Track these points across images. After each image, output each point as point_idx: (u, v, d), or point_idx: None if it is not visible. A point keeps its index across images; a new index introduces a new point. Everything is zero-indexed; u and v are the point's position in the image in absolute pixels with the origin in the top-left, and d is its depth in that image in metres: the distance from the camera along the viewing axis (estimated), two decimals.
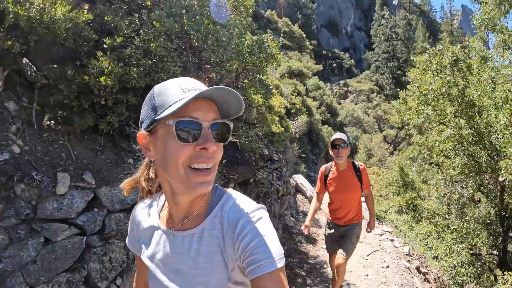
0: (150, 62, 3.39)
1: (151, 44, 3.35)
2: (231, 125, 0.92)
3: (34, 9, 2.86)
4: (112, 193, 3.11)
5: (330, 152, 3.72)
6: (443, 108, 5.69)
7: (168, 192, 0.97)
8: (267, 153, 7.54)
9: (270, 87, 5.43)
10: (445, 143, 5.45)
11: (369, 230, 3.96)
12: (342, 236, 3.88)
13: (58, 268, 2.65)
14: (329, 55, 60.10)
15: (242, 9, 4.62)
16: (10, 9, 2.73)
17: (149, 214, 1.09)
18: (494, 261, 6.78)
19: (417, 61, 6.78)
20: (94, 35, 3.36)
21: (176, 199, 0.95)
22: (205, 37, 3.55)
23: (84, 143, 3.32)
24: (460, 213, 7.93)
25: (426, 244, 7.21)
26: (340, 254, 3.69)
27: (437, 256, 6.71)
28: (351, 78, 55.21)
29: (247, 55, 4.15)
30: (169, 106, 0.85)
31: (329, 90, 40.15)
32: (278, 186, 6.97)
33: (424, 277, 5.76)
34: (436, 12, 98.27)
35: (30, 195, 2.60)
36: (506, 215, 6.36)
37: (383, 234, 7.08)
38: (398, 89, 12.74)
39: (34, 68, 3.17)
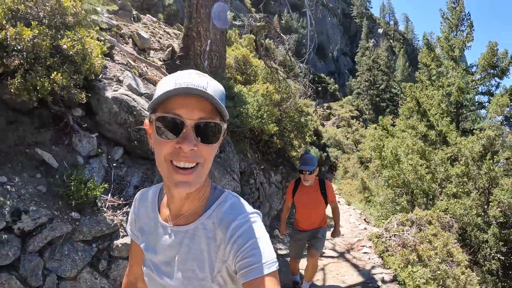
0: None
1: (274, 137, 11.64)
2: (223, 126, 0.89)
3: None
4: None
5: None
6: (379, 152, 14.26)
7: (165, 184, 1.00)
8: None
9: (307, 140, 13.74)
10: (372, 168, 14.10)
11: (335, 235, 4.38)
12: (310, 239, 4.35)
13: None
14: (316, 78, 65.75)
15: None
16: None
17: (149, 203, 1.11)
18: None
19: (371, 127, 15.38)
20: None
21: (171, 191, 0.97)
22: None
23: None
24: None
25: (370, 214, 15.70)
26: (314, 250, 4.25)
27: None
28: (334, 102, 60.00)
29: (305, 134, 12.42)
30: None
31: (314, 113, 47.25)
32: None
33: (367, 222, 14.13)
34: (419, 40, 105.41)
35: None
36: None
37: (350, 207, 15.46)
38: (375, 115, 21.23)
39: None
